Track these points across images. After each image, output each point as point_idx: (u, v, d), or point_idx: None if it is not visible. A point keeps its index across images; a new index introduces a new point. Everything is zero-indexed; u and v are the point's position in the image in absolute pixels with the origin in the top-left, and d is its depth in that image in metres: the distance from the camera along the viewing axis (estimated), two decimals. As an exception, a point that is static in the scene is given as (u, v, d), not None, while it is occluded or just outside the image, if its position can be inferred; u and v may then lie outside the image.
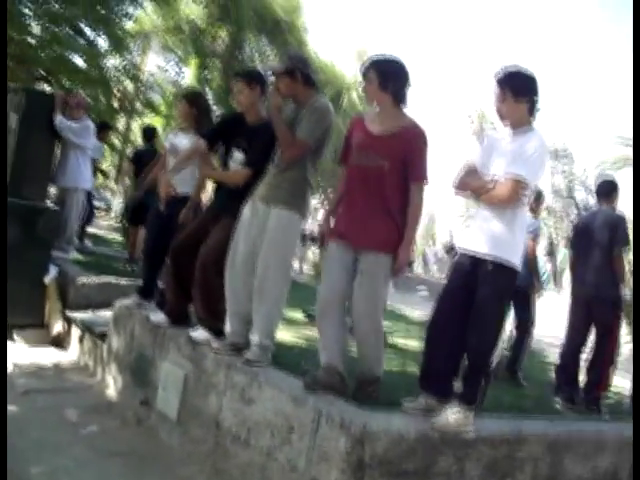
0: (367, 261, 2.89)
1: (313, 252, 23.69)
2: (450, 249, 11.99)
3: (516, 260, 2.78)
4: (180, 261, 3.65)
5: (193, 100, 4.35)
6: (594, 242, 4.41)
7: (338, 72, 19.95)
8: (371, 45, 21.31)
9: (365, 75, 2.98)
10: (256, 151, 3.48)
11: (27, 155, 5.45)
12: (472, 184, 2.89)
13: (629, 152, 15.80)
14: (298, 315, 5.80)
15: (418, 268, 26.91)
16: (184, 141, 4.29)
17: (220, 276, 3.34)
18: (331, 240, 3.04)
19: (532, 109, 2.86)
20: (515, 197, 2.74)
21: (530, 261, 4.87)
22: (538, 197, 5.22)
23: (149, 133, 7.21)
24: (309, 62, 3.32)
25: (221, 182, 3.72)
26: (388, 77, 2.93)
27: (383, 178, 2.89)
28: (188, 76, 17.09)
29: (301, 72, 3.20)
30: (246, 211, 3.31)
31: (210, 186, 4.26)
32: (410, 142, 2.90)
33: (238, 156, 3.57)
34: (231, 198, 3.47)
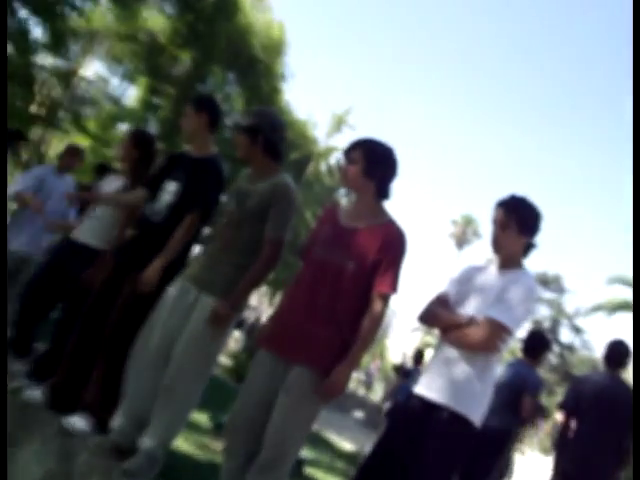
0: (295, 378, 2.83)
1: (235, 339, 23.35)
2: (399, 370, 12.08)
3: (477, 418, 2.85)
4: (87, 331, 3.61)
5: (141, 142, 4.34)
6: (614, 417, 4.60)
7: (309, 135, 20.44)
8: (352, 114, 22.05)
9: (348, 154, 3.02)
10: (195, 184, 3.49)
11: None
12: (442, 318, 2.97)
13: (628, 294, 16.51)
14: (204, 420, 5.80)
15: (358, 387, 26.74)
16: (111, 186, 4.37)
17: (124, 355, 3.32)
18: (262, 344, 3.02)
19: (528, 249, 3.02)
20: (492, 345, 2.82)
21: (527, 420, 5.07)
22: (544, 345, 5.43)
23: (101, 169, 6.69)
24: (279, 128, 3.33)
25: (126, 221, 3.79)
26: (376, 163, 2.98)
27: (342, 280, 2.88)
28: (133, 97, 17.06)
29: (265, 137, 3.24)
30: (172, 289, 3.31)
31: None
32: (386, 243, 2.91)
33: (170, 186, 3.56)
34: (145, 252, 3.46)
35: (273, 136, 3.25)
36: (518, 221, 2.95)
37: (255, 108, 3.55)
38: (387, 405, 11.69)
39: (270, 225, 3.17)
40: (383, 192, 3.03)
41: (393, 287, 2.89)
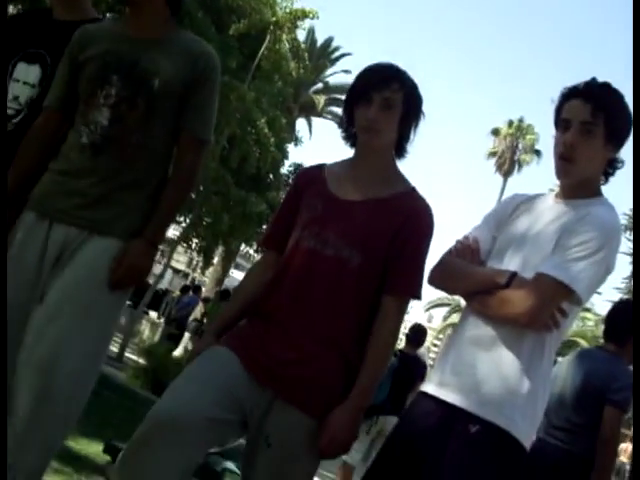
0: (283, 424, 2.99)
1: (151, 323, 23.47)
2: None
3: (525, 434, 2.89)
4: None
5: None
6: None
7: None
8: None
9: (381, 90, 3.11)
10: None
11: None
12: (468, 275, 3.06)
13: None
14: (94, 449, 6.00)
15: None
16: None
17: None
18: (218, 345, 3.17)
19: (612, 168, 3.10)
20: (546, 317, 2.85)
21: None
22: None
23: None
24: None
25: None
26: (414, 112, 3.24)
27: (343, 279, 3.06)
28: None
29: None
30: (28, 237, 3.33)
31: None
32: (408, 224, 3.10)
33: (30, 71, 3.64)
34: None
35: None
36: (608, 123, 2.95)
37: None
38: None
39: (195, 116, 3.33)
40: (404, 149, 3.28)
41: (416, 289, 3.14)
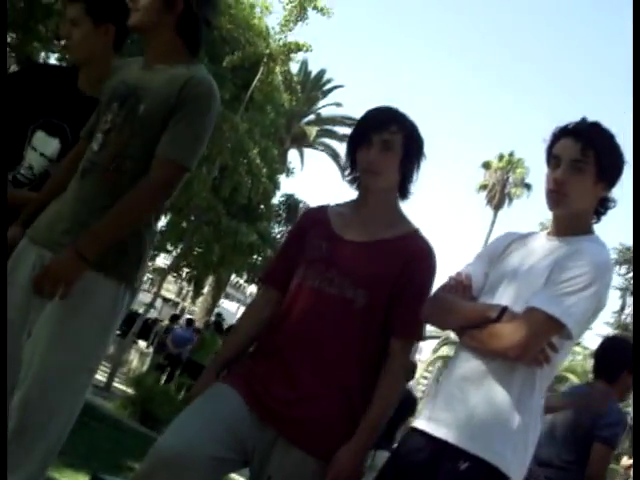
0: (286, 464, 3.01)
1: (140, 352, 23.33)
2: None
3: (516, 471, 2.86)
4: None
5: None
6: None
7: (257, 26, 20.16)
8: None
9: (381, 133, 3.18)
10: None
11: None
12: (460, 309, 3.02)
13: None
14: None
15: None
16: None
17: None
18: (222, 382, 3.20)
19: (604, 206, 3.09)
20: (536, 349, 2.82)
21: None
22: (627, 360, 5.37)
23: None
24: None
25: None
26: (415, 152, 3.27)
27: (349, 320, 3.08)
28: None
29: (186, 3, 3.30)
30: (24, 267, 3.32)
31: None
32: (411, 266, 3.13)
33: (48, 145, 3.61)
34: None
35: (198, 7, 3.32)
36: (598, 161, 2.96)
37: None
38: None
39: (168, 137, 3.22)
40: (407, 190, 3.31)
41: (419, 332, 3.22)
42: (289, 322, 3.17)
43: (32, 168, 3.61)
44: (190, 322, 24.57)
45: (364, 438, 3.02)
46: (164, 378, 18.77)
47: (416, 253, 3.17)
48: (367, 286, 3.08)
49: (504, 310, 2.85)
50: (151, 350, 24.23)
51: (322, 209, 3.40)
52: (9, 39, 13.74)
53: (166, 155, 3.19)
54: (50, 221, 3.29)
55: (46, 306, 3.19)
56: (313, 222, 3.36)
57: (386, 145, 3.16)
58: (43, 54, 17.30)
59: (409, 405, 9.91)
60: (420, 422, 3.02)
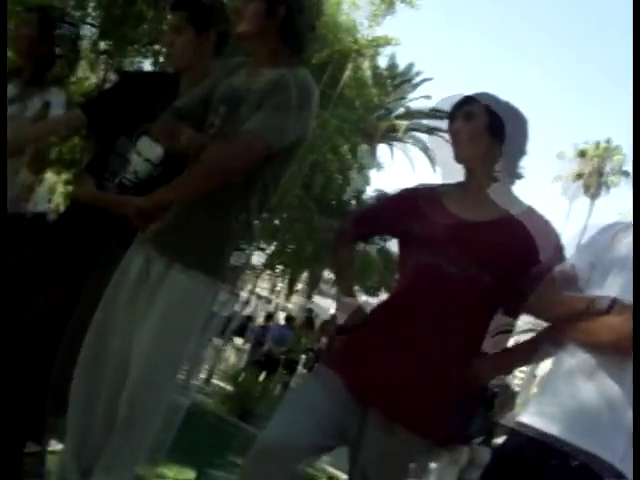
0: (388, 444, 3.05)
1: (236, 350, 23.57)
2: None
3: (630, 467, 2.75)
4: None
5: (44, 20, 4.33)
6: None
7: (344, 22, 20.19)
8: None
9: (462, 108, 3.22)
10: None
11: None
12: (569, 301, 2.96)
13: None
14: (186, 475, 6.09)
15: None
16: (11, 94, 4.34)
17: (46, 383, 3.52)
18: (324, 366, 3.26)
19: None
20: None
21: None
22: None
23: None
24: (310, 3, 3.38)
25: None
26: (503, 121, 3.21)
27: (471, 300, 3.10)
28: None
29: (288, 10, 3.31)
30: (131, 265, 3.40)
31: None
32: (537, 243, 3.11)
33: (152, 151, 3.62)
34: (96, 228, 3.64)
35: (298, 13, 3.35)
36: None
37: None
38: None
39: (253, 118, 3.22)
40: (514, 165, 3.29)
41: None
42: (406, 301, 3.19)
43: (137, 173, 3.64)
44: (289, 320, 24.69)
45: (508, 361, 3.24)
46: (262, 375, 18.94)
47: (540, 230, 3.16)
48: (490, 265, 3.08)
49: (614, 301, 2.78)
50: (247, 347, 24.47)
51: (434, 188, 3.39)
52: (104, 47, 14.06)
53: (245, 128, 3.20)
54: (159, 220, 3.34)
55: (149, 306, 3.27)
56: (424, 199, 3.32)
57: (467, 115, 3.21)
58: (135, 60, 17.56)
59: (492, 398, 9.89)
60: (527, 417, 2.96)
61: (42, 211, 4.31)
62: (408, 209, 3.29)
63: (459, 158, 3.25)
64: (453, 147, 3.28)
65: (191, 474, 6.11)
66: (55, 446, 4.18)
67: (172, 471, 5.91)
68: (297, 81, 3.25)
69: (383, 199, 3.44)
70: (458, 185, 3.32)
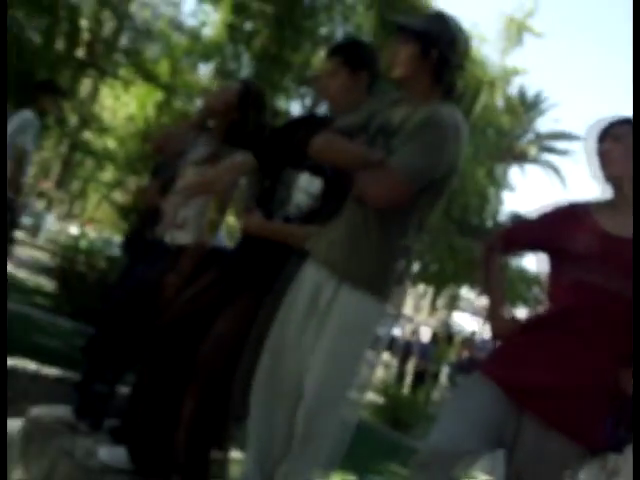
0: (541, 446, 3.04)
1: (385, 365, 23.62)
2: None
3: None
4: (165, 361, 3.76)
5: (249, 99, 4.43)
6: None
7: (474, 54, 20.06)
8: (540, 16, 21.42)
9: (610, 130, 3.24)
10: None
11: None
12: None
13: None
14: None
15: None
16: (200, 150, 4.45)
17: (230, 399, 3.55)
18: (485, 375, 3.24)
19: None
20: None
21: None
22: None
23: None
24: (461, 46, 3.39)
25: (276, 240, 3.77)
26: None
27: (625, 314, 2.99)
28: (214, 23, 17.31)
29: (440, 52, 3.30)
30: (302, 287, 3.41)
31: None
32: None
33: (312, 185, 3.67)
34: (266, 257, 3.68)
35: (450, 55, 3.32)
36: None
37: (429, 12, 3.50)
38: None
39: (396, 154, 3.18)
40: None
41: None
42: (565, 315, 3.14)
43: (299, 205, 3.68)
44: (434, 335, 24.57)
45: None
46: (408, 387, 18.95)
47: None
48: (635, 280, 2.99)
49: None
50: (394, 361, 24.45)
51: (582, 206, 3.33)
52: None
53: (396, 165, 3.16)
54: (329, 242, 3.36)
55: (321, 326, 3.28)
56: (577, 216, 3.29)
57: (616, 135, 3.20)
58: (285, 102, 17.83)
59: None
60: None
61: (222, 246, 4.46)
62: (562, 225, 3.27)
63: (610, 176, 3.21)
64: (603, 166, 3.24)
65: (352, 478, 6.19)
66: (235, 454, 4.23)
67: (337, 477, 6.03)
68: (448, 117, 3.23)
69: (536, 216, 3.39)
70: (607, 202, 3.26)
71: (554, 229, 3.28)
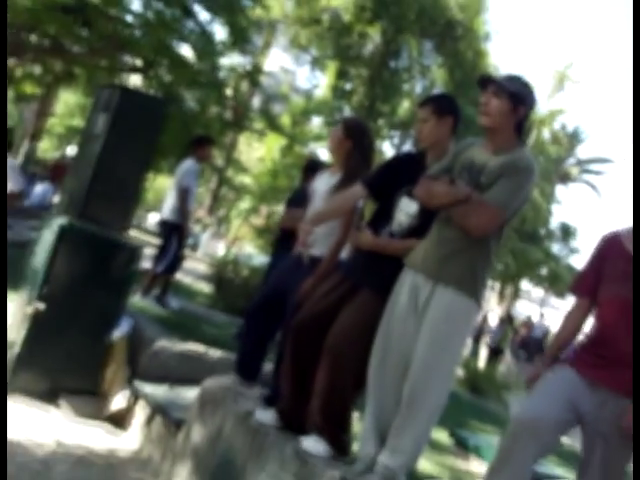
0: (617, 413, 2.95)
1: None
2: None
3: None
4: (303, 345, 3.76)
5: (352, 130, 4.40)
6: None
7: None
8: (576, 67, 21.03)
9: None
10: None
11: (114, 169, 5.63)
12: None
13: None
14: (442, 436, 6.01)
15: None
16: (323, 183, 4.43)
17: (353, 374, 3.51)
18: (563, 365, 3.18)
19: None
20: None
21: None
22: None
23: (312, 167, 6.67)
24: (535, 104, 3.37)
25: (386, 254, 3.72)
26: None
27: None
28: (322, 85, 17.58)
29: (525, 110, 3.28)
30: (403, 288, 3.38)
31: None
32: None
33: (410, 207, 3.62)
34: (376, 264, 3.63)
35: (531, 110, 3.34)
36: None
37: (518, 77, 3.41)
38: None
39: (492, 191, 3.14)
40: None
41: None
42: (603, 321, 3.13)
43: (401, 224, 3.65)
44: (503, 320, 24.07)
45: None
46: (484, 361, 18.70)
47: None
48: None
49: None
50: (469, 341, 24.09)
51: (616, 234, 3.24)
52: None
53: (488, 200, 3.14)
54: (424, 253, 3.33)
55: (421, 319, 3.26)
56: (610, 245, 3.21)
57: None
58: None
59: None
60: None
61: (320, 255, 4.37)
62: (600, 258, 3.21)
63: None
64: None
65: (443, 433, 6.14)
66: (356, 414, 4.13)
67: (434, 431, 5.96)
68: (529, 163, 3.23)
69: (587, 264, 3.31)
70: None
71: (599, 261, 3.20)
